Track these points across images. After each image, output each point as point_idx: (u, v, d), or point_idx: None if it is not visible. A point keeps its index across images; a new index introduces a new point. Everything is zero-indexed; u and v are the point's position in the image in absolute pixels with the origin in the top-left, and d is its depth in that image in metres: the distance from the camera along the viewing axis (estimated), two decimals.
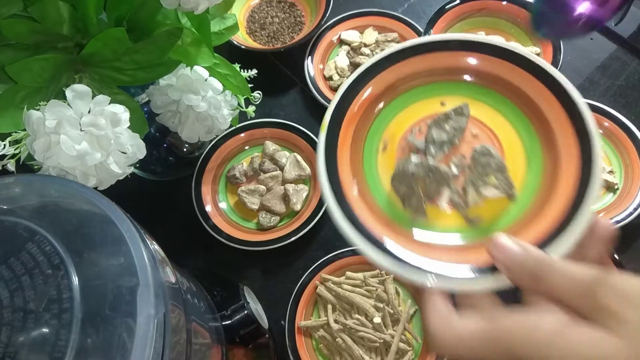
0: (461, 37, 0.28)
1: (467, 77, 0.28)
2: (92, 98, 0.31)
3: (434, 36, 0.29)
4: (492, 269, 0.22)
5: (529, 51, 0.27)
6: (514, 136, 0.27)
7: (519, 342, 0.19)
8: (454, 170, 0.26)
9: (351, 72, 0.58)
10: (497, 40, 0.27)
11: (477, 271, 0.22)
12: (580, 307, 0.19)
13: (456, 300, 0.23)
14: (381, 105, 0.28)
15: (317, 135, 0.50)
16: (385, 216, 0.26)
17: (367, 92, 0.28)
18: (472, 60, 0.28)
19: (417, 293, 0.29)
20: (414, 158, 0.26)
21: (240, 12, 0.65)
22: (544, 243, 0.23)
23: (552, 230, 0.23)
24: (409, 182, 0.26)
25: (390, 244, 0.24)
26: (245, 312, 0.41)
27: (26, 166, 0.32)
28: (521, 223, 0.24)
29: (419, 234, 0.25)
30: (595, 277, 0.19)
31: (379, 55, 0.28)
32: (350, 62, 0.60)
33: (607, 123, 0.51)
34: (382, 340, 0.43)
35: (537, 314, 0.19)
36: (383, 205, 0.26)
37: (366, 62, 0.28)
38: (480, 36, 0.28)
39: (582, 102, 0.25)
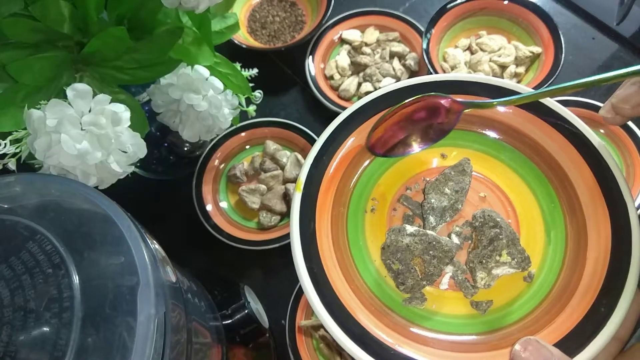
0: (469, 78, 0.23)
1: (474, 127, 0.23)
2: (93, 97, 0.31)
3: (436, 75, 0.24)
4: None
5: (551, 99, 0.21)
6: (530, 199, 0.22)
7: None
8: (456, 241, 0.21)
9: (352, 72, 0.58)
10: (513, 84, 0.22)
11: None
12: None
13: None
14: (370, 157, 0.23)
15: (318, 134, 0.50)
16: (374, 298, 0.21)
17: (349, 143, 0.23)
18: (489, 115, 0.22)
19: None
20: (410, 229, 0.21)
21: (241, 11, 0.65)
22: (570, 342, 0.18)
23: (580, 325, 0.18)
24: (403, 258, 0.20)
25: (379, 336, 0.20)
26: (246, 311, 0.41)
27: (27, 165, 0.32)
28: (542, 311, 0.19)
29: (414, 324, 0.20)
30: None
31: (364, 99, 0.23)
32: (351, 62, 0.60)
33: None
34: None
35: None
36: (371, 284, 0.21)
37: (349, 108, 0.24)
38: (495, 78, 0.23)
39: (615, 166, 0.20)
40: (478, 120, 0.22)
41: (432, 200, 0.21)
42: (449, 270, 0.21)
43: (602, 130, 0.52)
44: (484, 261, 0.20)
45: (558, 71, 0.51)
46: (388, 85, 0.24)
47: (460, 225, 0.21)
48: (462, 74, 0.23)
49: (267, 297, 0.48)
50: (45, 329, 0.21)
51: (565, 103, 0.52)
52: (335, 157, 0.23)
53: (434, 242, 0.20)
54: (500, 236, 0.20)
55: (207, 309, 0.36)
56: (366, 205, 0.23)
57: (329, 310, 0.20)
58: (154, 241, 0.27)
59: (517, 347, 0.18)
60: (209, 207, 0.53)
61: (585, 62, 0.57)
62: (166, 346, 0.22)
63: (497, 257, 0.20)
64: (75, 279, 0.22)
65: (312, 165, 0.23)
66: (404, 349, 0.19)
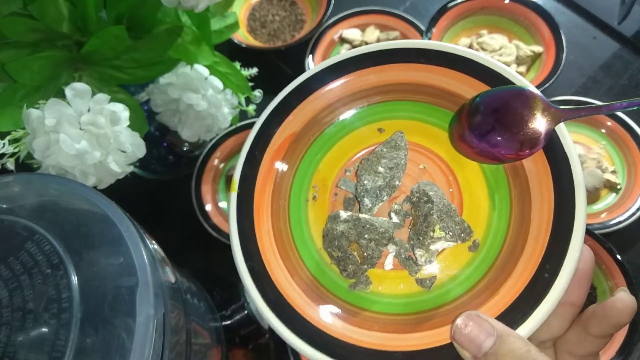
0: (387, 46, 0.22)
1: (402, 95, 0.22)
2: (92, 96, 0.31)
3: (352, 51, 0.23)
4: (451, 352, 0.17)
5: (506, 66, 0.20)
6: (471, 163, 0.20)
7: None
8: (396, 219, 0.20)
9: None
10: (447, 45, 0.21)
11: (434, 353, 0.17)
12: None
13: None
14: (305, 144, 0.22)
15: None
16: (320, 288, 0.20)
17: (281, 133, 0.22)
18: (404, 72, 0.21)
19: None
20: (343, 215, 0.20)
21: (240, 10, 0.64)
22: (513, 312, 0.17)
23: (523, 293, 0.17)
24: (340, 245, 0.20)
25: (326, 327, 0.19)
26: (246, 312, 0.41)
27: (25, 165, 0.32)
28: (487, 282, 0.18)
29: (362, 309, 0.19)
30: None
31: (287, 88, 0.23)
32: None
33: (610, 122, 0.51)
34: None
35: None
36: (317, 273, 0.21)
37: (274, 100, 0.23)
38: (417, 41, 0.21)
39: (562, 128, 0.19)
40: (409, 87, 0.21)
41: (365, 182, 0.21)
42: (391, 249, 0.20)
43: (603, 130, 0.52)
44: (421, 238, 0.20)
45: (559, 70, 0.51)
46: (322, 63, 0.23)
47: (399, 203, 0.21)
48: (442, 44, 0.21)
49: None
50: (44, 329, 0.21)
51: (566, 103, 0.52)
52: (268, 150, 0.22)
53: (368, 226, 0.20)
54: (432, 211, 0.19)
55: (206, 310, 0.36)
56: (307, 194, 0.22)
57: (272, 308, 0.20)
58: (153, 241, 0.27)
59: (458, 322, 0.17)
60: (208, 207, 0.52)
61: (587, 61, 0.57)
62: (165, 347, 0.22)
63: (431, 233, 0.19)
64: (74, 279, 0.22)
65: (244, 163, 0.23)
66: (351, 336, 0.19)
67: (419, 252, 0.20)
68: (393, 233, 0.20)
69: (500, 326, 0.17)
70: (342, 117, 0.22)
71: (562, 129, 0.19)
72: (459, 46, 0.21)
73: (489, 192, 0.20)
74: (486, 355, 0.17)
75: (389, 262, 0.20)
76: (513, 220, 0.19)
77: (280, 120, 0.22)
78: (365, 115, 0.22)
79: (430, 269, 0.20)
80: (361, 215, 0.20)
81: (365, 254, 0.20)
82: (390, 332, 0.19)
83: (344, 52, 0.23)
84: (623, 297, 0.17)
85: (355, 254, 0.20)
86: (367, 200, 0.21)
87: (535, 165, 0.19)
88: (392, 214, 0.21)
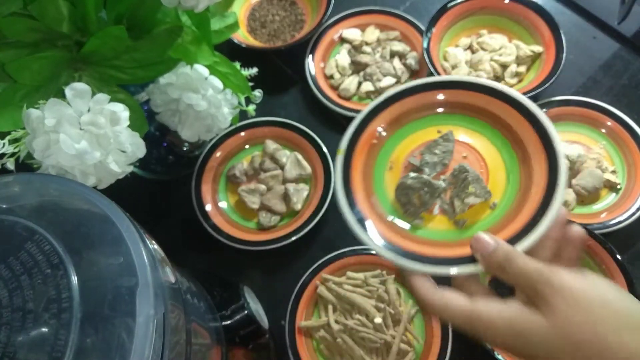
0: (453, 79, 0.35)
1: (457, 110, 0.34)
2: (92, 96, 0.31)
3: (429, 78, 0.35)
4: (472, 259, 0.28)
5: (510, 88, 0.32)
6: (496, 156, 0.33)
7: (482, 328, 0.25)
8: (443, 184, 0.32)
9: (352, 71, 0.58)
10: (483, 80, 0.33)
11: (460, 260, 0.28)
12: (529, 295, 0.25)
13: (452, 282, 0.28)
14: (388, 134, 0.35)
15: (318, 133, 0.50)
16: (394, 225, 0.32)
17: (376, 125, 0.34)
18: (460, 96, 0.34)
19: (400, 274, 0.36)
20: (412, 175, 0.32)
21: (240, 10, 0.64)
22: (514, 239, 0.27)
23: (522, 229, 0.28)
24: (407, 194, 0.32)
25: (392, 241, 0.31)
26: (246, 312, 0.41)
27: (25, 165, 0.32)
28: (500, 225, 0.29)
29: (416, 234, 0.31)
30: (540, 273, 0.24)
31: (384, 95, 0.34)
32: (351, 61, 0.59)
33: (610, 122, 0.51)
34: (383, 341, 0.43)
35: (499, 304, 0.25)
36: (389, 211, 0.32)
37: (374, 101, 0.35)
38: (470, 77, 0.36)
39: (550, 126, 0.30)
40: (461, 105, 0.34)
41: (427, 158, 0.33)
42: (438, 202, 0.32)
43: (603, 130, 0.52)
44: (459, 194, 0.31)
45: (559, 70, 0.51)
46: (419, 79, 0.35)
47: (446, 176, 0.33)
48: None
49: (267, 297, 0.48)
50: (44, 329, 0.21)
51: (567, 103, 0.52)
52: (366, 132, 0.34)
53: (428, 182, 0.32)
54: (468, 178, 0.31)
55: (206, 310, 0.36)
56: (386, 165, 0.34)
57: (360, 225, 0.31)
58: (153, 241, 0.27)
59: (474, 236, 0.27)
60: (208, 207, 0.53)
61: (587, 61, 0.57)
62: (165, 347, 0.22)
63: (466, 190, 0.31)
64: (74, 279, 0.22)
65: (351, 136, 0.34)
66: (413, 249, 0.30)
67: (457, 203, 0.31)
68: (442, 191, 0.32)
69: (503, 242, 0.26)
70: (413, 118, 0.35)
71: (556, 139, 0.30)
72: (497, 84, 0.33)
73: (506, 173, 0.32)
74: (490, 254, 0.26)
75: (436, 209, 0.32)
76: (519, 191, 0.30)
77: (376, 114, 0.34)
78: (430, 120, 0.35)
79: (462, 217, 0.31)
80: (424, 176, 0.32)
81: (422, 201, 0.32)
82: (436, 248, 0.30)
83: (428, 78, 0.35)
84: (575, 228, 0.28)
85: (416, 200, 0.32)
86: (427, 169, 0.33)
87: (539, 164, 0.30)
88: (441, 181, 0.32)
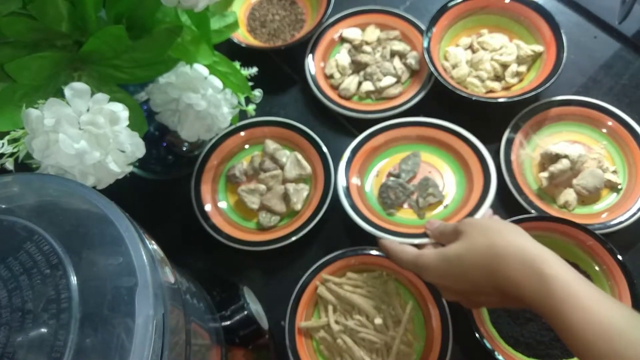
0: (424, 120, 0.52)
1: (426, 141, 0.52)
2: (91, 96, 0.31)
3: (406, 118, 0.53)
4: (425, 235, 0.43)
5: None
6: (450, 173, 0.50)
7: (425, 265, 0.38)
8: (412, 188, 0.49)
9: (352, 71, 0.58)
10: (444, 122, 0.51)
11: (419, 236, 0.43)
12: (456, 237, 0.37)
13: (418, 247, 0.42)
14: (377, 153, 0.52)
15: (318, 133, 0.55)
16: (374, 210, 0.49)
17: (369, 145, 0.52)
18: (429, 132, 0.51)
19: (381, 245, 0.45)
20: (392, 178, 0.50)
21: (240, 9, 0.64)
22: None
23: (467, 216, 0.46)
24: (387, 193, 0.50)
25: (375, 223, 0.47)
26: (245, 312, 0.41)
27: (25, 165, 0.32)
28: (448, 218, 0.47)
29: (389, 220, 0.48)
30: (461, 222, 0.38)
31: (377, 126, 0.52)
32: (351, 60, 0.59)
33: (610, 122, 0.51)
34: (383, 342, 0.43)
35: (436, 249, 0.39)
36: (373, 205, 0.50)
37: (370, 128, 0.52)
38: (437, 120, 0.52)
39: (487, 154, 0.48)
40: (429, 139, 0.52)
41: (402, 166, 0.51)
42: (407, 201, 0.49)
43: (604, 130, 0.51)
44: (422, 195, 0.49)
45: (560, 70, 0.51)
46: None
47: (415, 183, 0.50)
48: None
49: (267, 298, 0.48)
50: (43, 330, 0.21)
51: (567, 103, 0.52)
52: (362, 150, 0.52)
53: (402, 184, 0.49)
54: (430, 185, 0.49)
55: (206, 310, 0.36)
56: (375, 174, 0.52)
57: (354, 211, 0.47)
58: (153, 241, 0.27)
59: (427, 221, 0.44)
60: (207, 207, 0.52)
61: (587, 61, 0.57)
62: (165, 347, 0.22)
63: (427, 192, 0.48)
64: (73, 279, 0.22)
65: (352, 149, 0.52)
66: (390, 228, 0.46)
67: (420, 201, 0.49)
68: (410, 193, 0.49)
69: (440, 221, 0.44)
70: (391, 146, 0.53)
71: (491, 164, 0.48)
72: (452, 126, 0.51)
73: (456, 184, 0.50)
74: (434, 228, 0.42)
75: (405, 205, 0.49)
76: (464, 197, 0.48)
77: (368, 139, 0.52)
78: (407, 147, 0.53)
79: (423, 210, 0.49)
80: (399, 180, 0.50)
81: (396, 197, 0.49)
82: (404, 228, 0.46)
83: (404, 119, 0.54)
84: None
85: (392, 196, 0.49)
86: (403, 174, 0.50)
87: (478, 181, 0.47)
88: (411, 185, 0.49)
